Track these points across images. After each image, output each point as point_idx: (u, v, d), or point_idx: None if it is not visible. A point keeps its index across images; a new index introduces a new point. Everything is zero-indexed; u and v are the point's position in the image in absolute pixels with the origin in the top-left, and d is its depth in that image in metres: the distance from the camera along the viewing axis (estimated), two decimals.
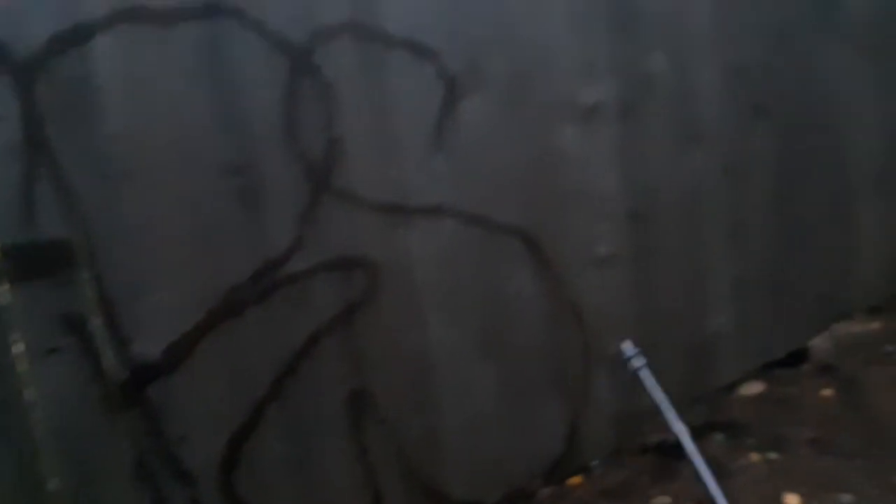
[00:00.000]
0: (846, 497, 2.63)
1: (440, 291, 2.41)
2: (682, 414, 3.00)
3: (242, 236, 2.06)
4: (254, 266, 2.09)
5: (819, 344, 3.59)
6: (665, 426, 2.94)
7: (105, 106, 1.87)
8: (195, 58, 1.96)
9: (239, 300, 2.07)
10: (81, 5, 1.81)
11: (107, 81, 1.86)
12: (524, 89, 2.49)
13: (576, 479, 2.76)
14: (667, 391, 2.99)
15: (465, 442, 2.50)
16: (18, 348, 1.77)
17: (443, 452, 2.46)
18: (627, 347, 2.72)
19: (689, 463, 2.80)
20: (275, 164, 2.08)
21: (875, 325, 3.80)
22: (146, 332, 1.95)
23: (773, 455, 2.89)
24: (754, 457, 2.88)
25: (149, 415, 1.97)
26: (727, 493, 2.66)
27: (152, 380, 1.97)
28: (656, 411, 2.97)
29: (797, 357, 3.51)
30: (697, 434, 2.92)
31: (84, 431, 1.91)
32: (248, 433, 2.13)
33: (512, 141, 2.49)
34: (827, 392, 3.31)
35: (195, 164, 1.99)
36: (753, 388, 3.33)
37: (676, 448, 2.86)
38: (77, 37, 1.82)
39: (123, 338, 1.92)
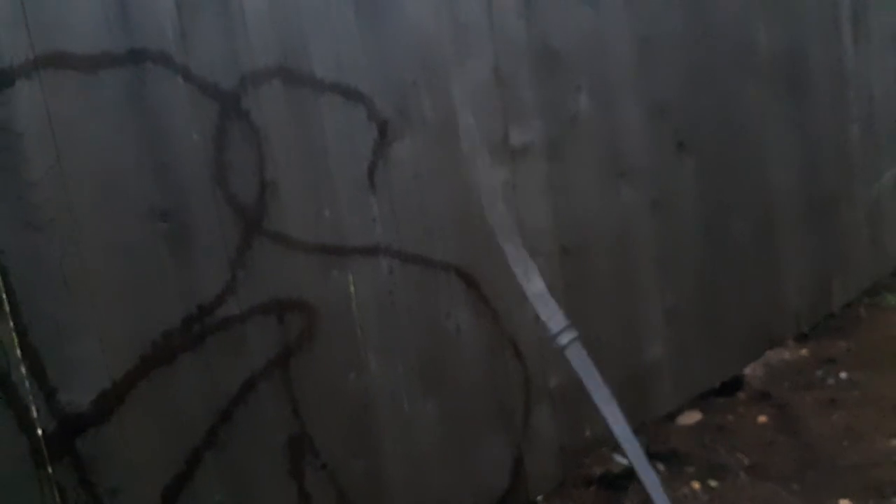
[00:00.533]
0: None
1: (378, 331, 2.41)
2: None
3: (173, 281, 2.03)
4: (185, 311, 2.06)
5: (753, 372, 3.70)
6: (608, 458, 2.98)
7: (27, 152, 1.83)
8: (120, 103, 1.94)
9: (171, 346, 2.03)
10: (1, 52, 1.79)
11: (28, 127, 1.82)
12: (454, 131, 2.55)
13: None
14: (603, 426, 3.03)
15: (408, 482, 2.48)
16: None
17: (386, 493, 2.44)
18: (554, 322, 2.30)
19: (633, 494, 2.84)
20: (204, 208, 2.07)
21: (804, 352, 3.93)
22: (74, 381, 1.89)
23: (712, 483, 2.94)
24: (695, 485, 2.92)
25: (78, 467, 1.90)
26: None
27: (81, 431, 1.91)
28: (600, 443, 3.01)
29: (732, 385, 3.60)
30: None
31: (11, 485, 1.83)
32: (183, 483, 2.08)
33: (444, 181, 2.54)
34: (762, 418, 3.39)
35: (122, 210, 1.96)
36: (691, 417, 3.39)
37: (620, 479, 2.90)
38: None
39: (50, 388, 1.86)
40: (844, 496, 2.78)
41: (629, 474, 2.89)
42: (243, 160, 2.14)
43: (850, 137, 4.22)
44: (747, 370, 3.71)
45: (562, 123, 2.84)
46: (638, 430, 3.14)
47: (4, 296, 1.80)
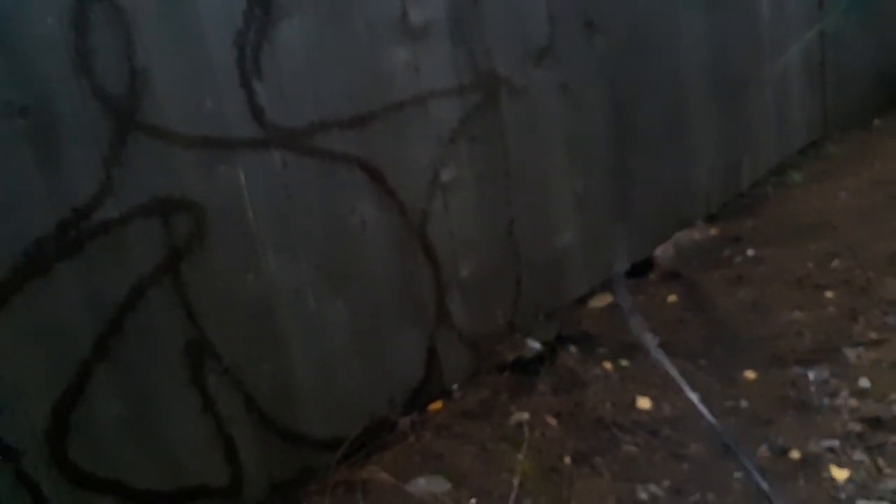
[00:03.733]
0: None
1: (276, 229, 2.29)
2: (537, 330, 3.07)
3: (40, 184, 1.84)
4: (58, 216, 1.88)
5: (663, 253, 3.76)
6: (521, 344, 3.00)
7: None
8: None
9: (45, 255, 1.87)
10: None
11: None
12: (347, 8, 2.36)
13: (436, 405, 2.76)
14: (522, 309, 3.04)
15: (319, 380, 2.43)
16: None
17: (296, 394, 2.38)
18: None
19: (546, 377, 2.88)
20: (69, 101, 1.87)
21: (713, 232, 4.02)
22: None
23: (624, 362, 3.01)
24: (607, 365, 2.99)
25: None
26: (583, 402, 2.76)
27: None
28: (512, 329, 3.02)
29: (643, 267, 3.66)
30: (551, 347, 3.00)
31: None
32: (75, 398, 1.96)
33: (340, 65, 2.37)
34: (672, 298, 3.47)
35: None
36: (603, 299, 3.44)
37: (533, 363, 2.93)
38: None
39: None
40: (750, 367, 2.89)
41: (541, 358, 2.94)
42: (109, 46, 1.92)
43: (760, 16, 4.19)
44: (658, 251, 3.76)
45: (464, 0, 2.68)
46: (551, 315, 3.18)
47: None
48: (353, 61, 2.41)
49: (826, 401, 2.62)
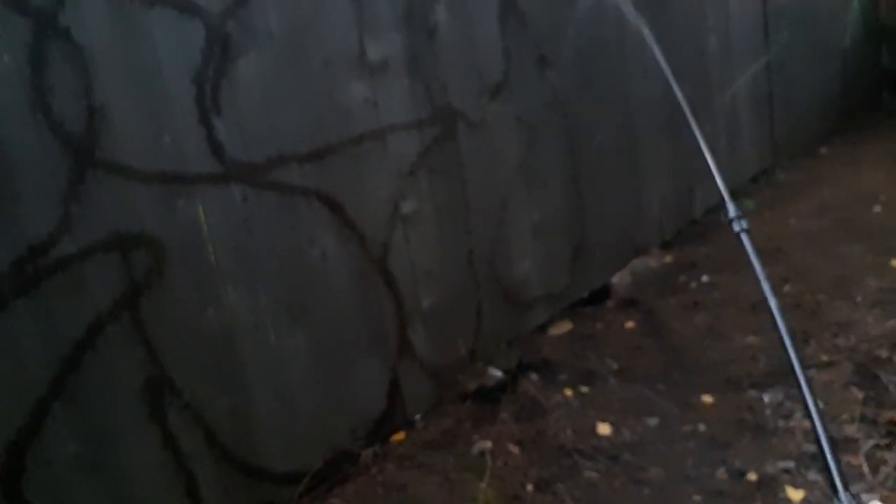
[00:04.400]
0: (652, 420, 2.83)
1: (235, 263, 2.29)
2: (498, 358, 3.10)
3: None
4: (14, 253, 1.87)
5: (620, 280, 3.83)
6: (483, 372, 3.03)
7: None
8: None
9: (1, 292, 1.85)
10: None
11: None
12: (304, 45, 2.40)
13: (399, 436, 2.77)
14: (484, 338, 3.07)
15: (280, 414, 2.42)
16: None
17: (256, 428, 2.37)
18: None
19: (508, 405, 2.90)
20: (25, 138, 1.87)
21: (668, 259, 4.11)
22: None
23: (584, 389, 3.05)
24: (567, 392, 3.02)
25: None
26: (544, 429, 2.79)
27: None
28: (474, 358, 3.05)
29: (601, 294, 3.72)
30: (512, 376, 3.03)
31: None
32: (30, 437, 1.94)
33: (297, 100, 2.41)
34: (629, 324, 3.53)
35: None
36: (562, 327, 3.49)
37: (494, 391, 2.96)
38: None
39: None
40: (706, 392, 2.95)
41: (503, 386, 2.96)
42: (67, 84, 1.93)
43: (708, 48, 4.34)
44: (615, 279, 3.84)
45: (421, 37, 2.74)
46: (511, 344, 3.21)
47: None
48: (311, 97, 2.45)
49: (781, 423, 2.69)
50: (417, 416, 2.86)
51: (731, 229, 1.58)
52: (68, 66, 1.94)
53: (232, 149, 2.26)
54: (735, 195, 4.56)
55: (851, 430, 2.54)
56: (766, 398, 2.83)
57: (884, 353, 2.90)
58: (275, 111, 2.35)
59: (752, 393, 2.87)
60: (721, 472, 2.51)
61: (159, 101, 2.10)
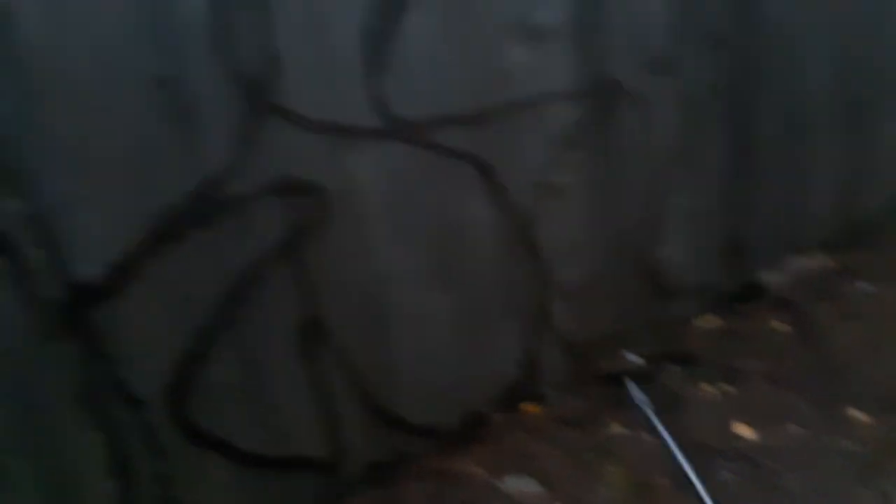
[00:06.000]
0: (794, 428, 2.69)
1: (391, 219, 2.34)
2: (640, 344, 3.03)
3: (176, 155, 1.95)
4: (191, 186, 1.99)
5: (774, 279, 3.63)
6: (620, 356, 2.97)
7: (19, 14, 1.72)
8: None
9: (178, 221, 1.98)
10: None
11: None
12: (472, 4, 2.38)
13: (531, 407, 2.76)
14: (626, 322, 3.01)
15: (421, 368, 2.48)
16: None
17: (399, 379, 2.44)
18: None
19: (645, 393, 2.84)
20: (206, 79, 1.96)
21: (828, 260, 3.85)
22: (83, 253, 1.86)
23: (726, 387, 2.93)
24: (708, 388, 2.91)
25: (92, 339, 1.90)
26: (680, 423, 2.70)
27: (94, 302, 1.89)
28: (613, 341, 2.99)
29: (753, 292, 3.54)
30: (653, 364, 2.95)
31: (21, 358, 1.84)
32: (196, 359, 2.08)
33: (460, 61, 2.39)
34: (781, 326, 3.35)
35: (119, 78, 1.86)
36: (709, 321, 3.35)
37: (632, 377, 2.89)
38: None
39: (60, 260, 1.83)
40: (859, 408, 2.76)
41: (642, 373, 2.90)
42: (246, 30, 2.00)
43: (887, 37, 3.98)
44: (769, 277, 3.64)
45: (587, 5, 2.66)
46: (655, 331, 3.13)
47: (8, 167, 1.74)
48: (474, 58, 2.42)
49: None
50: (551, 391, 2.85)
51: None
52: (248, 14, 1.99)
53: (396, 105, 2.28)
54: None
55: None
56: None
57: None
58: (438, 71, 2.35)
59: None
60: (867, 494, 2.35)
61: (330, 52, 2.14)
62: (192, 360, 2.06)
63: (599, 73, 2.75)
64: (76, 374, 1.90)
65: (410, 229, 2.40)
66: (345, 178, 2.23)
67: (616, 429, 2.62)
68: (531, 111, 2.59)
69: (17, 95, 1.74)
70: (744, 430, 2.69)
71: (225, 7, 1.96)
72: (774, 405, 2.82)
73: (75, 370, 1.89)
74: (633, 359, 2.94)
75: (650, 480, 2.43)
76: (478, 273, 2.59)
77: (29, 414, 1.89)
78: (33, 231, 1.79)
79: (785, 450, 2.60)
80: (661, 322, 3.18)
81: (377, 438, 2.40)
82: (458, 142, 2.45)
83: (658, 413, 2.74)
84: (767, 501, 2.38)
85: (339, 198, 2.22)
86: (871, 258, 3.82)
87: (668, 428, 2.65)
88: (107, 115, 1.85)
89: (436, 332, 2.51)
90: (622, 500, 2.34)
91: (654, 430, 2.64)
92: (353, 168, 2.24)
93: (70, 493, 2.00)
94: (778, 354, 3.14)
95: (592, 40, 2.69)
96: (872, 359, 3.04)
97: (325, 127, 2.17)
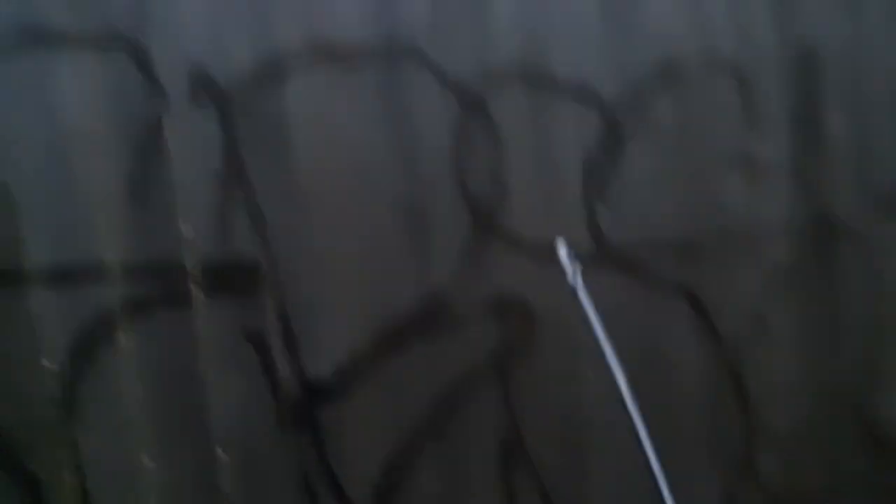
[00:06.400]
0: None
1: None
2: (852, 502, 2.74)
3: (411, 268, 2.11)
4: (418, 298, 2.12)
5: None
6: None
7: (295, 141, 1.99)
8: (376, 96, 2.06)
9: (404, 330, 2.10)
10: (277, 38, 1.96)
11: (297, 119, 1.99)
12: (691, 138, 2.45)
13: None
14: (840, 477, 2.74)
15: (611, 495, 2.40)
16: (206, 357, 1.88)
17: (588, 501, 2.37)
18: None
19: None
20: (442, 200, 2.14)
21: None
22: (320, 354, 2.02)
23: None
24: None
25: (317, 435, 2.02)
26: None
27: (325, 401, 2.02)
28: (825, 497, 2.73)
29: None
30: None
31: (258, 444, 1.98)
32: (404, 465, 2.14)
33: (676, 193, 2.45)
34: None
35: (371, 198, 2.07)
36: None
37: None
38: (274, 75, 1.96)
39: (299, 359, 1.99)
40: None
41: None
42: (480, 157, 2.18)
43: None
44: None
45: (808, 141, 2.65)
46: (875, 494, 2.82)
47: (269, 268, 1.95)
48: (690, 191, 2.47)
49: None
50: None
51: None
52: (483, 142, 2.18)
53: (610, 232, 2.35)
54: None
55: None
56: None
57: None
58: (654, 202, 2.42)
59: None
60: None
61: (551, 180, 2.27)
62: (402, 466, 2.11)
63: (819, 210, 2.69)
64: (299, 467, 2.01)
65: (615, 355, 2.38)
66: (555, 300, 2.28)
67: None
68: (745, 246, 2.55)
69: (285, 207, 1.98)
70: None
71: (465, 138, 2.15)
72: None
73: (304, 462, 2.00)
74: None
75: None
76: (681, 413, 2.51)
77: (256, 496, 1.99)
78: (282, 328, 1.97)
79: None
80: (885, 485, 2.86)
81: None
82: (670, 272, 2.46)
83: None
84: None
85: (549, 319, 2.27)
86: None
87: None
88: (358, 229, 2.05)
89: (628, 461, 2.41)
90: None
91: None
92: (563, 290, 2.30)
93: None
94: None
95: (813, 177, 2.65)
96: None
97: (542, 250, 2.26)
